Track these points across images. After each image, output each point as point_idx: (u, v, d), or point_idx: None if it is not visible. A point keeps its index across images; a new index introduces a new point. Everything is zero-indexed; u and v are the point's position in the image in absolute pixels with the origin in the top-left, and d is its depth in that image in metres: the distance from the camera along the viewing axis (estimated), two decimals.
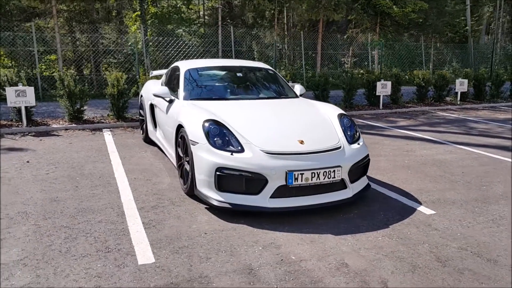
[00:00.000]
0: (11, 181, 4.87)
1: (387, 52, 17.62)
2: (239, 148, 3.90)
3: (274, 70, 6.06)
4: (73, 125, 7.90)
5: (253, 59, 17.45)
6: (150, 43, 14.15)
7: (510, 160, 6.27)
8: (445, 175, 5.46)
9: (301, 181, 3.79)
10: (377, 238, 3.57)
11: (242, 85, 5.59)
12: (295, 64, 16.79)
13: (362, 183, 4.35)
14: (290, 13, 18.77)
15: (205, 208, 4.12)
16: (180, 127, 4.53)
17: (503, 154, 6.61)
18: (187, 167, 4.33)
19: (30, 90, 7.57)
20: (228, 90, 5.37)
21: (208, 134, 4.01)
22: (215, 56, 15.16)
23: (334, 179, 3.93)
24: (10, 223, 3.70)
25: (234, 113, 4.48)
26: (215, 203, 3.88)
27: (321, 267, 3.06)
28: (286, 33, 17.53)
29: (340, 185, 4.04)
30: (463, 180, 5.27)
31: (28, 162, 5.65)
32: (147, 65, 13.85)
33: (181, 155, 4.56)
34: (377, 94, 10.83)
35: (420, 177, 5.37)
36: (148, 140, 6.70)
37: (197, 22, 22.58)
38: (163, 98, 5.25)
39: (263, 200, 3.79)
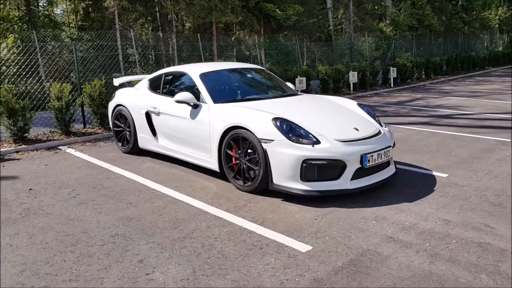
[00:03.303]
0: (43, 209, 4.32)
1: (272, 52, 19.06)
2: (315, 140, 4.31)
3: (267, 70, 6.46)
4: (23, 146, 6.94)
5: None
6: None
7: (443, 132, 7.87)
8: (416, 148, 6.65)
9: (372, 162, 4.41)
10: (438, 199, 4.41)
11: (257, 85, 5.91)
12: None
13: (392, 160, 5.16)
14: (170, 14, 18.74)
15: (282, 200, 4.41)
16: (232, 128, 4.66)
17: (433, 128, 8.20)
18: (252, 165, 4.54)
19: None
20: (250, 91, 5.64)
21: (282, 131, 4.31)
22: (116, 61, 14.36)
23: (389, 157, 4.66)
24: (124, 244, 3.46)
25: (282, 110, 4.81)
26: (302, 193, 4.23)
27: (435, 226, 3.75)
28: (176, 35, 17.48)
29: (387, 163, 4.78)
30: (433, 150, 6.51)
31: (30, 189, 4.97)
32: (42, 74, 12.46)
33: (236, 156, 4.70)
34: (296, 89, 11.90)
35: (401, 152, 6.42)
36: (135, 151, 6.40)
37: (67, 25, 20.78)
38: (187, 103, 5.22)
39: (345, 183, 4.30)
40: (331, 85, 13.95)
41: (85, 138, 7.64)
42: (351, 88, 14.51)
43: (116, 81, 7.28)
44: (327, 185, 4.28)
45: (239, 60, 20.00)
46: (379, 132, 4.81)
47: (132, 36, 14.28)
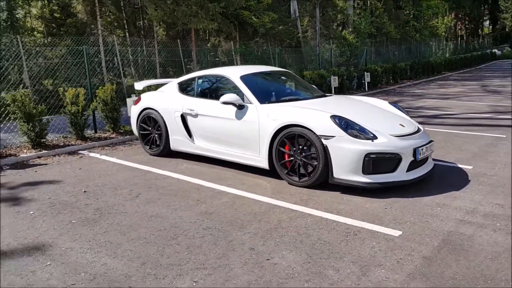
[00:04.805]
0: (115, 208, 4.33)
1: (248, 57, 19.37)
2: (372, 135, 4.65)
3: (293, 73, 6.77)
4: (44, 151, 6.77)
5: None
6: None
7: (442, 130, 8.51)
8: None
9: (421, 155, 4.81)
10: (479, 187, 4.88)
11: (294, 87, 6.16)
12: (169, 73, 16.93)
13: None
14: (146, 20, 18.61)
15: (341, 193, 4.70)
16: (286, 127, 4.90)
17: (431, 127, 8.80)
18: (307, 161, 4.79)
19: None
20: (288, 92, 5.93)
21: (342, 127, 4.62)
22: (99, 67, 14.08)
23: (432, 151, 5.09)
24: (223, 235, 3.61)
25: (330, 109, 5.11)
26: (365, 185, 4.55)
27: (493, 209, 4.19)
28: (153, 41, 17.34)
29: (427, 157, 5.20)
30: (444, 146, 7.04)
31: (85, 191, 4.93)
32: (25, 78, 12.03)
33: (290, 153, 4.93)
34: None
35: None
36: (165, 153, 6.45)
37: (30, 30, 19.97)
38: (233, 104, 5.39)
39: (401, 175, 4.67)
40: None
41: (102, 143, 7.54)
42: (333, 92, 15.11)
43: (139, 85, 7.28)
44: (385, 177, 4.63)
45: (214, 65, 20.14)
46: (419, 129, 5.24)
47: (115, 41, 14.07)
